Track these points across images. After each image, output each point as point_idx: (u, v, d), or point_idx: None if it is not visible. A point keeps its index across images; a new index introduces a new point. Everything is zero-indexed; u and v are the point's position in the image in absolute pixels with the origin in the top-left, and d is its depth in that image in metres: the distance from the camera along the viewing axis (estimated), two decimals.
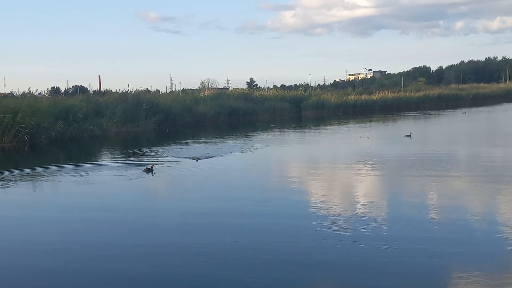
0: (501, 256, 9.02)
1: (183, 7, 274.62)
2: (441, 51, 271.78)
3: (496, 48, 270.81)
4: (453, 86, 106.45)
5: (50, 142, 36.50)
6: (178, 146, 30.84)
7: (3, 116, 35.35)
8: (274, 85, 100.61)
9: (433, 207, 13.02)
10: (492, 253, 9.14)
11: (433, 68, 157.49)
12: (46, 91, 73.24)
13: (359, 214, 12.23)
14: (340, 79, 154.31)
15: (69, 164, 24.89)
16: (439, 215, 12.10)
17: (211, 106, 56.77)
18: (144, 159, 24.94)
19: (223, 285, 8.22)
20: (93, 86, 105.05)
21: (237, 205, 13.97)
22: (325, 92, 78.12)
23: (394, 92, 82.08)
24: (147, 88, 78.44)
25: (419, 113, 63.19)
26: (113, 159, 27.44)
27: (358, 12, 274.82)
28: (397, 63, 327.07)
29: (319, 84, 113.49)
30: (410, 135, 31.40)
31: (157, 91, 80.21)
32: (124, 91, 57.97)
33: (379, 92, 79.97)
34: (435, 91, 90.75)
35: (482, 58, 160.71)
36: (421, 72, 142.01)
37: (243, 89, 76.94)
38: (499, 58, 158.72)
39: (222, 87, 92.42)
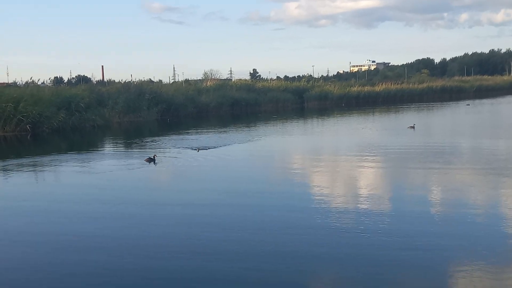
0: (505, 249, 8.95)
1: None
2: (445, 43, 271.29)
3: (500, 41, 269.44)
4: (456, 78, 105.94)
5: (52, 131, 36.46)
6: (180, 136, 30.78)
7: (5, 105, 35.26)
8: (277, 76, 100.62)
9: (436, 199, 12.93)
10: (496, 246, 9.06)
11: (437, 60, 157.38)
12: (49, 81, 73.04)
13: (361, 206, 12.15)
14: (343, 71, 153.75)
15: (70, 154, 24.85)
16: (442, 208, 12.02)
17: (213, 96, 56.55)
18: (146, 149, 24.89)
19: (225, 276, 8.16)
20: (96, 76, 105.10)
21: (239, 196, 13.90)
22: (328, 84, 77.86)
23: (397, 84, 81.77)
24: (150, 79, 78.26)
25: (422, 104, 62.92)
26: (115, 149, 27.41)
27: (363, 4, 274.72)
28: (401, 55, 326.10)
29: (322, 76, 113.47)
30: (413, 127, 31.26)
31: (160, 81, 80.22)
32: (127, 81, 57.95)
33: (382, 84, 79.67)
34: (438, 83, 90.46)
35: (486, 51, 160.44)
36: (425, 64, 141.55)
37: (246, 80, 76.62)
38: (503, 50, 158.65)
39: (225, 78, 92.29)
